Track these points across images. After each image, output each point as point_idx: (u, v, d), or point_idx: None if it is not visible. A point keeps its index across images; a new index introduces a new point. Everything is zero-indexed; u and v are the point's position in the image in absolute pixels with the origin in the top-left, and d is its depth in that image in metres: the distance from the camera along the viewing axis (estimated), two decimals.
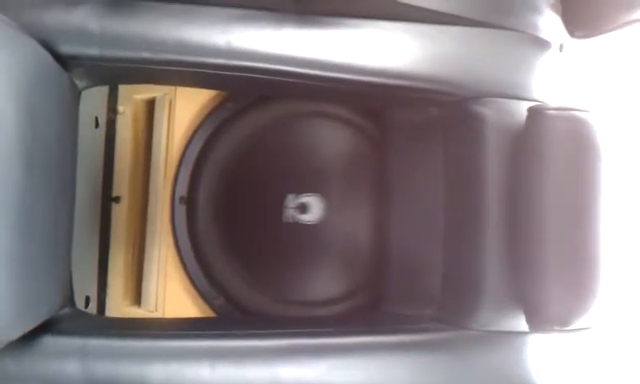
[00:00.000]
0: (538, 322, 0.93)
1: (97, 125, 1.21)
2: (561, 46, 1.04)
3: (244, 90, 1.20)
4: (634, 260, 1.15)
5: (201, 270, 1.23)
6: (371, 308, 1.23)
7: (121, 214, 1.25)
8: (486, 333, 0.96)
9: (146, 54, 0.88)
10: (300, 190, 1.25)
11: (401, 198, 1.14)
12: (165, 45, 0.88)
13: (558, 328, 0.91)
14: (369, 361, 0.93)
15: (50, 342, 0.85)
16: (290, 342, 0.92)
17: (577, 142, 0.91)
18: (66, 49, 0.85)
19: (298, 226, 1.24)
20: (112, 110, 1.24)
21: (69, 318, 0.91)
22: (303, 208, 1.25)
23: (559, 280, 0.91)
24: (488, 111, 0.96)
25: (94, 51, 0.86)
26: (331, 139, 1.26)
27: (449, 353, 0.96)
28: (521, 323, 0.95)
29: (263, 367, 0.89)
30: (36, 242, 0.77)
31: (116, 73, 0.95)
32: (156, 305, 1.23)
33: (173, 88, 1.23)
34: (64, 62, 0.86)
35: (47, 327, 0.85)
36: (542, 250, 0.91)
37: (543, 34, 1.03)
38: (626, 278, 1.10)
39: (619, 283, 0.96)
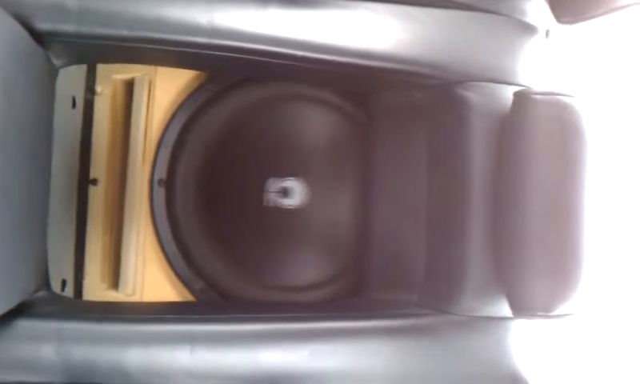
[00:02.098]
0: (520, 307, 0.93)
1: (74, 105, 1.18)
2: (547, 32, 1.04)
3: (225, 71, 1.18)
4: (617, 246, 1.15)
5: (180, 254, 1.21)
6: (354, 293, 1.22)
7: (98, 196, 1.23)
8: (469, 318, 0.96)
9: (124, 32, 0.85)
10: (282, 174, 1.23)
11: (384, 183, 1.13)
12: (145, 22, 0.86)
13: (541, 314, 0.91)
14: (351, 346, 0.92)
15: (24, 325, 0.83)
16: (272, 327, 0.91)
17: (562, 126, 0.91)
18: (42, 25, 0.82)
19: (280, 211, 1.23)
20: (90, 90, 1.21)
21: (44, 302, 0.89)
22: (285, 192, 1.23)
23: (542, 266, 0.90)
24: (473, 95, 0.95)
25: (71, 28, 0.83)
26: (314, 123, 1.25)
27: (431, 338, 0.95)
28: (504, 309, 0.95)
29: (244, 352, 0.88)
30: (8, 222, 0.75)
31: (94, 51, 0.93)
32: (134, 289, 1.21)
33: (152, 68, 1.20)
34: (40, 38, 0.83)
35: (22, 310, 0.83)
36: (525, 235, 0.91)
37: (530, 18, 1.02)
38: (610, 264, 1.10)
39: (603, 269, 0.96)
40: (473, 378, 0.96)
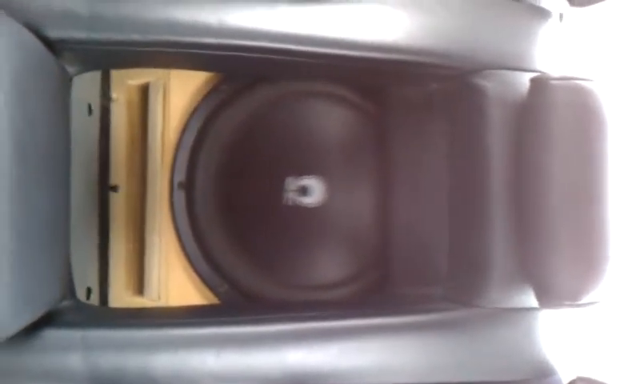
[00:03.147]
0: (547, 297, 0.91)
1: (90, 112, 1.19)
2: (561, 16, 1.02)
3: (238, 71, 1.17)
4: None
5: (203, 257, 1.21)
6: (379, 289, 1.21)
7: (119, 202, 1.23)
8: (496, 310, 0.95)
9: (136, 36, 0.85)
10: (300, 173, 1.23)
11: (404, 177, 1.12)
12: (155, 26, 0.85)
13: (568, 303, 0.90)
14: (379, 342, 0.91)
15: (50, 335, 0.83)
16: (298, 327, 0.90)
17: (582, 111, 0.89)
18: (53, 33, 0.82)
19: (300, 209, 1.22)
20: (105, 97, 1.22)
21: (70, 310, 0.90)
22: (304, 191, 1.23)
23: (568, 254, 0.89)
24: (490, 84, 0.94)
25: (82, 34, 0.83)
26: (330, 119, 1.24)
27: (459, 332, 0.94)
28: (530, 299, 0.94)
29: (270, 353, 0.88)
30: (32, 233, 0.75)
31: (107, 57, 0.93)
32: (159, 294, 1.22)
33: (166, 72, 1.21)
34: (53, 46, 0.83)
35: (48, 320, 0.83)
36: (549, 224, 0.89)
37: (543, 3, 1.01)
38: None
39: (629, 257, 0.94)
40: (501, 371, 0.95)
